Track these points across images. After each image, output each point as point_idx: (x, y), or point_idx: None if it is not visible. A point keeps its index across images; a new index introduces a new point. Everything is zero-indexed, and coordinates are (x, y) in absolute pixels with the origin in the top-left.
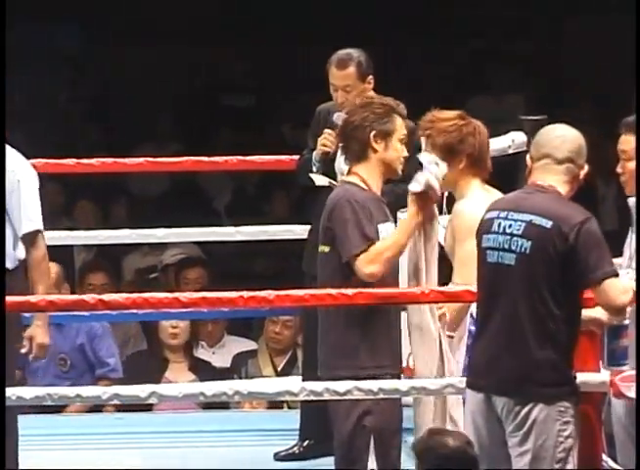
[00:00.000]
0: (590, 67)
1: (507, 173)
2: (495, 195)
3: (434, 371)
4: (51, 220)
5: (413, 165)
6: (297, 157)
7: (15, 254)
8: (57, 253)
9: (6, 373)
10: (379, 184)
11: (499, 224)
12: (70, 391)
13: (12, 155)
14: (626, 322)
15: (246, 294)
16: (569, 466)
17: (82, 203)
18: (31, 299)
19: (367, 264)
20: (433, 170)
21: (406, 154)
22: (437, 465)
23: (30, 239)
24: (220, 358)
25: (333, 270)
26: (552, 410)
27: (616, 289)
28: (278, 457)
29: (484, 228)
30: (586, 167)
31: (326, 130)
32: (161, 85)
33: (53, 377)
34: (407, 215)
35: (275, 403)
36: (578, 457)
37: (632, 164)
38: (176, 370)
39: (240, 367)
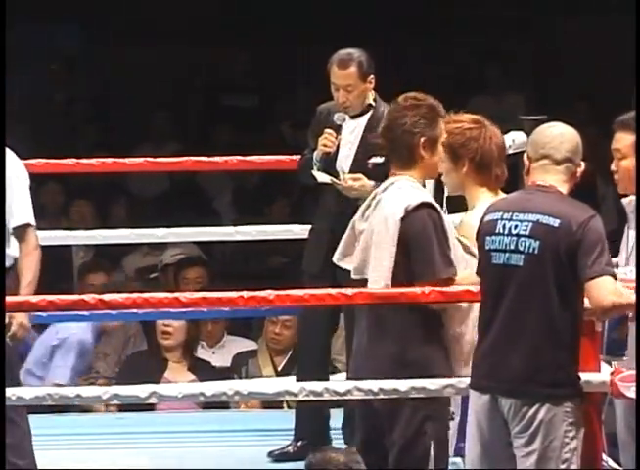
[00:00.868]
0: (590, 66)
1: (507, 173)
2: None
3: None
4: (50, 220)
5: None
6: (296, 157)
7: (8, 252)
8: (56, 252)
9: (10, 374)
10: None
11: (504, 226)
12: (71, 391)
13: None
14: (629, 313)
15: (246, 294)
16: (573, 466)
17: (81, 203)
18: (32, 299)
19: None
20: None
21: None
22: None
23: (21, 233)
24: (220, 358)
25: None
26: (559, 411)
27: (606, 289)
28: (272, 457)
29: (487, 230)
30: (583, 165)
31: (327, 130)
32: (161, 85)
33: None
34: None
35: (275, 403)
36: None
37: (626, 163)
38: (176, 370)
39: (240, 367)
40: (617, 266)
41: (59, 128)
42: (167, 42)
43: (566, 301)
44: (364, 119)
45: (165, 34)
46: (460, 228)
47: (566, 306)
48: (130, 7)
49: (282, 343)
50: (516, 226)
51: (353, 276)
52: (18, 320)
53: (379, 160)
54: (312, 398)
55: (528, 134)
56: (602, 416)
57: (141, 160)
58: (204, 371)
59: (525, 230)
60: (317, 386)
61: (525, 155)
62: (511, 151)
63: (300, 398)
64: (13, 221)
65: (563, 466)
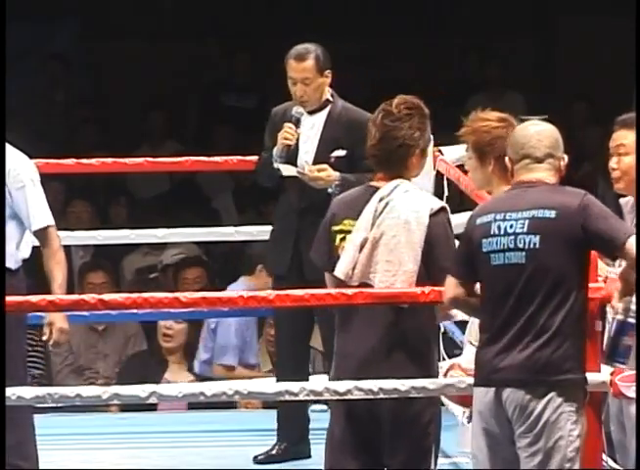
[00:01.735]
0: (589, 66)
1: None
2: None
3: None
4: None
5: None
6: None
7: (18, 253)
8: None
9: (14, 373)
10: None
11: (498, 226)
12: (70, 391)
13: (15, 154)
14: (631, 320)
15: (245, 294)
16: (576, 466)
17: (81, 203)
18: (32, 299)
19: None
20: None
21: None
22: None
23: (43, 234)
24: None
25: None
26: (564, 409)
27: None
28: (257, 460)
29: (481, 233)
30: (566, 158)
31: (286, 124)
32: (161, 85)
33: None
34: None
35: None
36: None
37: (629, 159)
38: (176, 371)
39: None
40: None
41: (59, 128)
42: (167, 41)
43: (571, 294)
44: (323, 115)
45: (165, 33)
46: None
47: (573, 300)
48: (129, 6)
49: None
50: (511, 225)
51: (352, 283)
52: (57, 326)
53: (341, 153)
54: (312, 397)
55: None
56: (602, 416)
57: (141, 160)
58: None
59: (522, 227)
60: (317, 386)
61: (506, 158)
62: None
63: (300, 398)
64: (35, 224)
65: (567, 465)
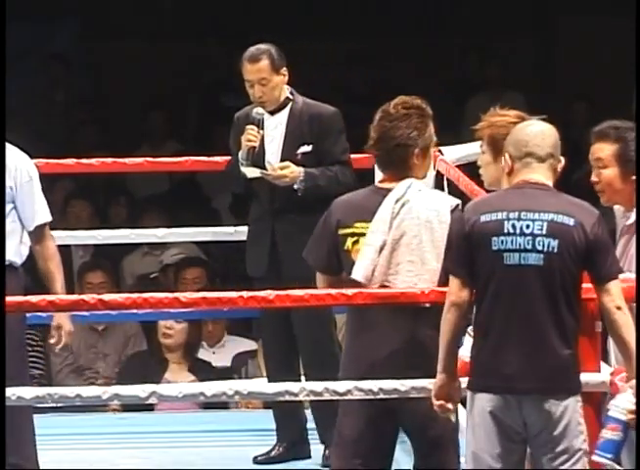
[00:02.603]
0: (590, 66)
1: None
2: None
3: None
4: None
5: None
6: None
7: (21, 249)
8: None
9: (14, 373)
10: None
11: (513, 225)
12: (70, 391)
13: (16, 153)
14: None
15: (246, 294)
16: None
17: (81, 202)
18: (32, 299)
19: None
20: None
21: None
22: None
23: (43, 231)
24: (220, 358)
25: None
26: (578, 409)
27: (620, 288)
28: (257, 461)
29: (491, 230)
30: (563, 160)
31: (248, 126)
32: (161, 85)
33: None
34: None
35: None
36: None
37: (608, 172)
38: (176, 371)
39: (240, 367)
40: None
41: (59, 128)
42: (168, 41)
43: (577, 298)
44: (284, 113)
45: (166, 33)
46: None
47: (577, 304)
48: (129, 6)
49: None
50: (528, 226)
51: (372, 286)
52: (65, 329)
53: (307, 148)
54: (312, 397)
55: None
56: (601, 416)
57: (140, 160)
58: (204, 371)
59: (541, 229)
60: (317, 386)
61: (506, 156)
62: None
63: (301, 397)
64: (37, 220)
65: (586, 458)
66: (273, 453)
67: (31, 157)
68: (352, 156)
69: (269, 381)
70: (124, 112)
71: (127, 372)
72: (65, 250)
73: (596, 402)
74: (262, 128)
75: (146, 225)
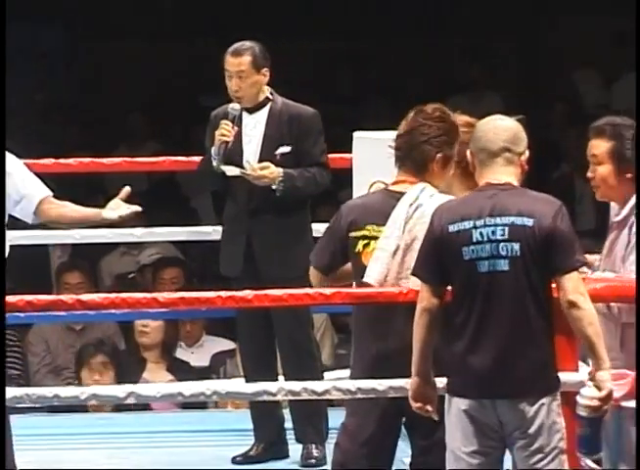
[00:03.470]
0: (564, 67)
1: None
2: None
3: None
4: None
5: None
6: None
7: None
8: (33, 252)
9: None
10: None
11: (480, 233)
12: (49, 391)
13: None
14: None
15: (224, 294)
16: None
17: None
18: (10, 299)
19: None
20: None
21: None
22: None
23: (45, 207)
24: (199, 358)
25: None
26: (553, 405)
27: (579, 282)
28: (235, 461)
29: (461, 240)
30: (527, 153)
31: (222, 121)
32: (144, 85)
33: None
34: None
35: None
36: None
37: (602, 169)
38: (154, 370)
39: (218, 367)
40: (592, 267)
41: (39, 129)
42: (150, 42)
43: (548, 297)
44: (264, 113)
45: (148, 34)
46: None
47: (548, 303)
48: (112, 7)
49: None
50: (493, 232)
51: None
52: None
53: (286, 149)
54: (291, 397)
55: None
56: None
57: (119, 160)
58: (182, 371)
59: (503, 234)
60: (296, 386)
61: (468, 153)
62: None
63: (279, 397)
64: (38, 195)
65: (564, 457)
66: (251, 453)
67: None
68: (329, 156)
69: (247, 381)
70: (104, 112)
71: None
72: (42, 250)
73: (573, 402)
74: (238, 125)
75: (124, 225)
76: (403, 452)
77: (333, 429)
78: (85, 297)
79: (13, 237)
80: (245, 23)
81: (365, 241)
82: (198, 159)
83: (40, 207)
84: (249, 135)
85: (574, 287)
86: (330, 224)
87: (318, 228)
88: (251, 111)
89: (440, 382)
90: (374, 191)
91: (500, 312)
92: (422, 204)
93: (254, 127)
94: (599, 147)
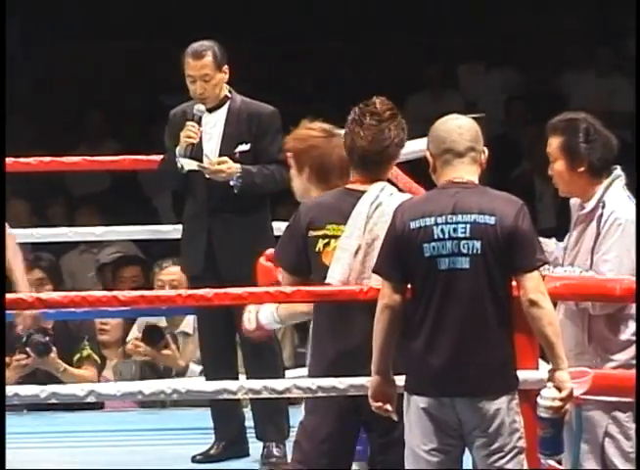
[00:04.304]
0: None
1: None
2: None
3: None
4: None
5: None
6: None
7: None
8: None
9: None
10: None
11: (442, 230)
12: (8, 390)
13: None
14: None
15: (184, 292)
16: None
17: (19, 201)
18: None
19: None
20: None
21: None
22: None
23: None
24: None
25: None
26: (512, 404)
27: (540, 281)
28: (195, 460)
29: (421, 237)
30: (486, 151)
31: (188, 122)
32: (101, 84)
33: None
34: None
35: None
36: None
37: (557, 166)
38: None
39: None
40: (558, 263)
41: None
42: (107, 40)
43: (508, 295)
44: (223, 112)
45: (105, 32)
46: None
47: (509, 301)
48: (68, 5)
49: None
50: (455, 229)
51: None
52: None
53: (245, 147)
54: (251, 396)
55: None
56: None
57: (79, 158)
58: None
59: (464, 232)
60: (256, 384)
61: (427, 153)
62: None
63: (239, 396)
64: None
65: (522, 456)
66: (212, 452)
67: None
68: None
69: (207, 379)
70: (64, 110)
71: None
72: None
73: (533, 400)
74: (201, 125)
75: (85, 224)
76: None
77: (294, 427)
78: (45, 295)
79: None
80: (202, 22)
81: (325, 240)
82: (157, 157)
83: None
84: (208, 133)
85: (535, 286)
86: (289, 223)
87: (278, 227)
88: (211, 109)
89: (400, 380)
90: (332, 190)
91: (458, 310)
92: (382, 202)
93: (214, 126)
94: (552, 144)
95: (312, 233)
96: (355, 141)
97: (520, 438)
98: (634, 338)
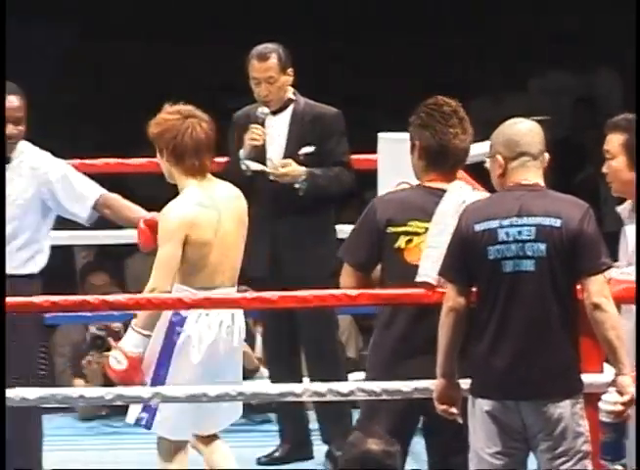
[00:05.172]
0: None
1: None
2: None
3: None
4: None
5: None
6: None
7: (36, 260)
8: (58, 253)
9: (26, 372)
10: None
11: (507, 233)
12: (74, 391)
13: (36, 154)
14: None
15: (249, 294)
16: (589, 462)
17: None
18: (35, 300)
19: None
20: None
21: None
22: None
23: (101, 203)
24: None
25: None
26: (577, 408)
27: (604, 285)
28: (260, 462)
29: (486, 240)
30: (547, 155)
31: (252, 125)
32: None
33: None
34: None
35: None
36: None
37: (615, 163)
38: None
39: None
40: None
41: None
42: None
43: (573, 298)
44: (287, 114)
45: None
46: (159, 218)
47: (574, 303)
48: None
49: None
50: (520, 232)
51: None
52: None
53: (309, 149)
54: (316, 399)
55: None
56: None
57: (144, 160)
58: None
59: (529, 235)
60: (321, 387)
61: (499, 156)
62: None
63: (304, 398)
64: (93, 196)
65: (587, 461)
66: (276, 454)
67: None
68: (353, 156)
69: (272, 382)
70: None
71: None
72: (68, 251)
73: (597, 404)
74: (265, 128)
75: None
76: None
77: None
78: (111, 297)
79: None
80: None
81: (407, 237)
82: (142, 161)
83: (97, 207)
84: (271, 136)
85: (599, 290)
86: (361, 219)
87: (342, 229)
88: (275, 112)
89: (464, 383)
90: (404, 188)
91: (522, 313)
92: (466, 200)
93: (278, 128)
94: (612, 141)
95: (391, 229)
96: (441, 139)
97: (585, 442)
98: None
